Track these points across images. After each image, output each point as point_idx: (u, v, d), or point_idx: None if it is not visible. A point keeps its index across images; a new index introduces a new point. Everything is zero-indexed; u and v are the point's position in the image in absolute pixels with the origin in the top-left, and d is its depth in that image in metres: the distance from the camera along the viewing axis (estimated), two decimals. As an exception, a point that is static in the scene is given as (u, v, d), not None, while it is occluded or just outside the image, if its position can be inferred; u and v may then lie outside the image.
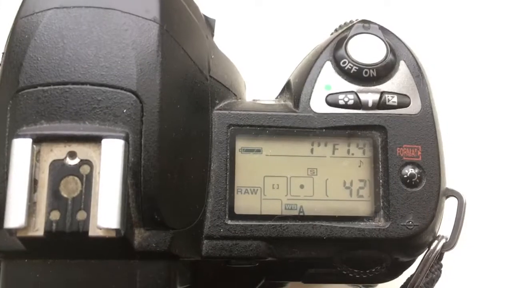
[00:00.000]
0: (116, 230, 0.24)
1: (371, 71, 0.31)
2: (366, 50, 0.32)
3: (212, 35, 0.33)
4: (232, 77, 0.34)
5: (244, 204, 0.30)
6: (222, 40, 0.38)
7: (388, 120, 0.31)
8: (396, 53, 0.32)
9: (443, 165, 0.31)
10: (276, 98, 0.35)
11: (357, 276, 0.32)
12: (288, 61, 0.37)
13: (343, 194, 0.31)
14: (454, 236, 0.32)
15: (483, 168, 0.47)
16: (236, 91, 0.34)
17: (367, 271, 0.32)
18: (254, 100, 0.34)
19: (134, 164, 0.25)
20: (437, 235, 0.32)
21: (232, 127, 0.30)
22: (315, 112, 0.31)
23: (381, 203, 0.30)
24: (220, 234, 0.29)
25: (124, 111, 0.25)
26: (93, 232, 0.24)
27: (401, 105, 0.31)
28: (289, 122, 0.31)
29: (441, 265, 0.34)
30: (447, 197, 0.32)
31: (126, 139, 0.25)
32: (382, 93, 0.31)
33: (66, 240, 0.24)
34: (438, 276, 0.34)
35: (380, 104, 0.31)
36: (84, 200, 0.24)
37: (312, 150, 0.31)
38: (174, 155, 0.27)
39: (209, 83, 0.30)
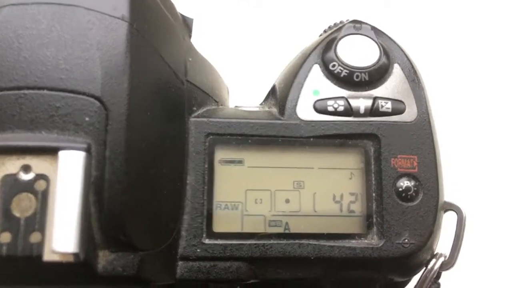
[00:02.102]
0: (74, 254, 0.21)
1: (362, 75, 0.29)
2: (358, 52, 0.29)
3: (190, 36, 0.31)
4: (212, 81, 0.31)
5: (223, 221, 0.27)
6: (204, 42, 0.35)
7: (381, 128, 0.28)
8: (390, 55, 0.29)
9: (441, 177, 0.29)
10: (261, 104, 0.32)
11: (348, 298, 0.29)
12: (276, 64, 0.34)
13: (332, 209, 0.28)
14: (453, 254, 0.29)
15: (484, 179, 0.45)
16: (217, 97, 0.31)
17: (359, 293, 0.29)
18: (236, 106, 0.31)
19: (97, 178, 0.22)
20: (435, 253, 0.29)
21: (211, 136, 0.28)
22: (302, 120, 0.28)
23: (374, 219, 0.28)
24: (197, 254, 0.26)
25: (87, 119, 0.22)
26: (48, 256, 0.21)
27: (395, 111, 0.29)
28: (273, 131, 0.28)
29: (439, 285, 0.31)
30: (445, 211, 0.30)
31: (87, 150, 0.22)
32: (374, 98, 0.29)
33: (19, 265, 0.22)
34: (436, 297, 0.31)
35: (373, 111, 0.28)
36: (39, 220, 0.22)
37: (298, 161, 0.28)
38: (144, 168, 0.24)
39: (186, 88, 0.28)
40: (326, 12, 0.51)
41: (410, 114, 0.29)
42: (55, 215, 0.21)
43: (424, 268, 0.29)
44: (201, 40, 0.35)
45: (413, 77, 0.29)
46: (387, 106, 0.28)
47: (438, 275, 0.31)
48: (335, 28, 0.31)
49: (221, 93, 0.33)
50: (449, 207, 0.29)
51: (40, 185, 0.22)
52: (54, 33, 0.23)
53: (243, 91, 0.38)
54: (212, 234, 0.27)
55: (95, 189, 0.22)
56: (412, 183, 0.28)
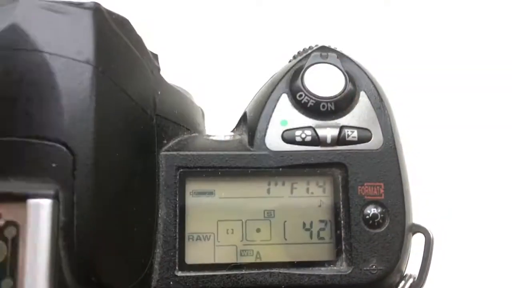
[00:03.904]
0: (45, 300, 0.22)
1: (329, 104, 0.29)
2: (324, 82, 0.30)
3: (159, 70, 0.31)
4: (184, 110, 0.32)
5: (196, 252, 0.28)
6: (177, 61, 0.36)
7: (348, 157, 0.29)
8: (356, 83, 0.30)
9: (408, 202, 0.29)
10: (233, 131, 0.33)
11: (320, 321, 0.30)
12: (255, 82, 0.35)
13: (302, 237, 0.29)
14: (421, 276, 0.30)
15: (453, 201, 0.46)
16: (189, 125, 0.32)
17: (331, 316, 0.30)
18: (207, 135, 0.31)
19: (66, 223, 0.23)
20: (404, 274, 0.30)
21: (182, 170, 0.28)
22: (270, 150, 0.29)
23: (343, 246, 0.28)
24: (170, 287, 0.27)
25: (53, 165, 0.23)
26: (19, 303, 0.22)
27: (361, 140, 0.29)
28: (242, 162, 0.29)
29: (410, 303, 0.32)
30: (413, 233, 0.30)
31: (55, 197, 0.22)
32: (341, 128, 0.29)
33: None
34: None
35: (340, 140, 0.29)
36: (10, 266, 0.22)
37: (268, 190, 0.29)
38: (113, 209, 0.24)
39: (155, 123, 0.28)
40: (325, 13, 0.50)
41: (376, 142, 0.29)
42: (26, 262, 0.22)
43: (394, 289, 0.30)
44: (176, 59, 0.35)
45: (379, 105, 0.30)
46: (353, 134, 0.29)
47: (410, 294, 0.32)
48: (303, 55, 0.32)
49: (193, 119, 0.33)
50: (417, 229, 0.30)
51: (10, 231, 0.22)
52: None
53: (221, 110, 0.39)
54: (184, 266, 0.27)
55: (64, 234, 0.23)
56: (379, 210, 0.29)
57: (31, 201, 0.22)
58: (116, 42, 0.27)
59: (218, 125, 0.34)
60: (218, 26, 0.50)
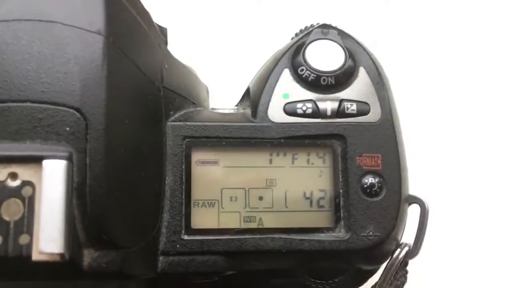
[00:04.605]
0: (60, 254, 0.23)
1: (329, 78, 0.30)
2: (324, 57, 0.31)
3: (166, 44, 0.32)
4: (190, 85, 0.33)
5: (201, 218, 0.29)
6: (183, 41, 0.37)
7: (347, 129, 0.30)
8: (356, 59, 0.31)
9: (404, 173, 0.31)
10: (236, 105, 0.34)
11: (319, 286, 0.31)
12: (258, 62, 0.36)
13: (303, 205, 0.30)
14: (417, 244, 0.31)
15: (448, 173, 0.47)
16: (194, 99, 0.33)
17: (330, 281, 0.31)
18: (212, 109, 0.33)
19: (79, 184, 0.24)
20: (400, 243, 0.31)
21: (188, 139, 0.30)
22: (273, 122, 0.30)
23: (342, 214, 0.30)
24: (176, 250, 0.28)
25: (67, 129, 0.24)
26: (36, 256, 0.23)
27: (360, 113, 0.30)
28: (246, 133, 0.30)
29: (406, 271, 0.33)
30: (409, 204, 0.32)
31: (69, 158, 0.24)
32: (341, 101, 0.30)
33: (10, 264, 0.24)
34: (403, 283, 0.33)
35: (339, 113, 0.30)
36: (27, 223, 0.23)
37: (270, 161, 0.30)
38: (123, 172, 0.26)
39: (163, 94, 0.30)
40: (325, 12, 0.51)
41: (374, 114, 0.30)
42: (41, 219, 0.23)
43: (390, 257, 0.31)
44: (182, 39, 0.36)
45: (377, 80, 0.31)
46: (353, 107, 0.30)
47: (405, 263, 0.33)
48: (305, 32, 0.33)
49: (199, 94, 0.35)
50: (413, 200, 0.32)
51: (27, 191, 0.24)
52: (34, 48, 0.25)
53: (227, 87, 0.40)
54: (190, 231, 0.29)
55: (78, 194, 0.24)
56: (377, 179, 0.30)
57: (47, 162, 0.23)
58: (125, 15, 0.28)
59: (221, 103, 0.36)
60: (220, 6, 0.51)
